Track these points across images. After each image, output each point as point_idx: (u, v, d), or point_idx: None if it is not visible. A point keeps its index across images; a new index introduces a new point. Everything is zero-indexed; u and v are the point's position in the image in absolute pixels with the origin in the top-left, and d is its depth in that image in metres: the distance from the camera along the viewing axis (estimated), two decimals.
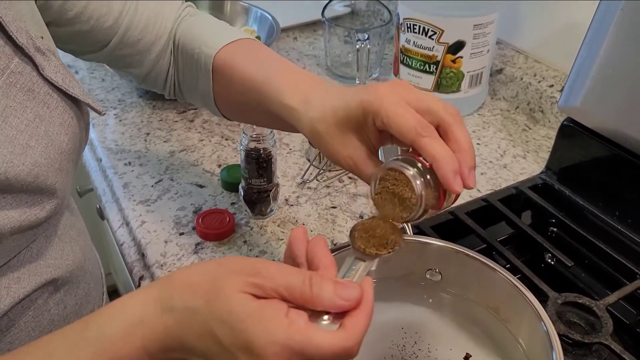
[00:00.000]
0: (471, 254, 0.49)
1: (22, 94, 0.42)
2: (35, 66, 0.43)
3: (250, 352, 0.32)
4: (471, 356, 0.47)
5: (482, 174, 0.81)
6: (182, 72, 0.60)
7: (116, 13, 0.56)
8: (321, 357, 0.32)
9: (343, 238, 0.69)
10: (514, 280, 0.46)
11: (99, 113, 0.48)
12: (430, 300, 0.51)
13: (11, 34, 0.41)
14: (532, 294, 0.46)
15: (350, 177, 0.80)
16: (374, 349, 0.48)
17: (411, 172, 0.40)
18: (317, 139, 0.45)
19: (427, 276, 0.52)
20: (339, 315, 0.34)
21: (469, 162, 0.40)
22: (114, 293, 1.23)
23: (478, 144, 0.88)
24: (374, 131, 0.43)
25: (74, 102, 0.47)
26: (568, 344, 0.55)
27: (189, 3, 0.63)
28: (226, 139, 0.86)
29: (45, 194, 0.43)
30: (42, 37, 0.46)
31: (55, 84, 0.44)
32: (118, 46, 0.58)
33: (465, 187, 0.39)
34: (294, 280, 0.34)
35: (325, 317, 0.34)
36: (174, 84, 0.62)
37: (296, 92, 0.47)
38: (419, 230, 0.67)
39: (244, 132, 0.66)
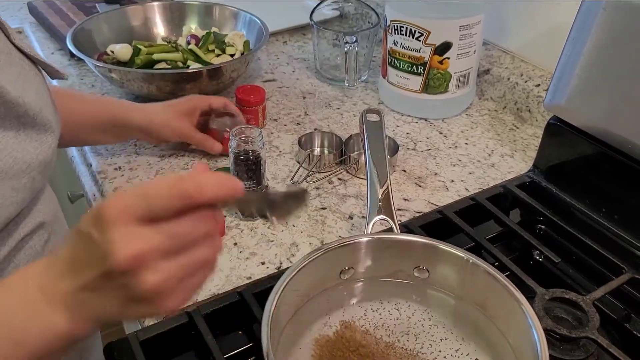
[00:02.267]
0: (456, 251, 0.50)
1: (4, 55, 0.49)
2: (7, 36, 0.50)
3: (97, 216, 0.33)
4: None
5: (470, 173, 0.82)
6: None
7: None
8: (154, 190, 0.33)
9: (333, 238, 0.69)
10: (500, 276, 0.47)
11: (63, 77, 0.59)
12: (419, 297, 0.52)
13: None
14: (517, 290, 0.46)
15: (339, 179, 0.80)
16: (366, 349, 0.48)
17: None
18: (152, 126, 0.77)
19: (415, 274, 0.52)
20: None
21: None
22: None
23: (466, 143, 0.89)
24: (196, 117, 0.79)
25: (37, 68, 0.54)
26: (555, 339, 0.56)
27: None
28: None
29: (48, 131, 0.50)
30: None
31: (23, 50, 0.52)
32: None
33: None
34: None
35: None
36: None
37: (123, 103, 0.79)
38: (407, 230, 0.67)
39: (232, 135, 0.67)
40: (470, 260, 0.48)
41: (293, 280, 0.46)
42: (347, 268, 0.52)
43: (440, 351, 0.48)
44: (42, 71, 0.56)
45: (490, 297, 0.48)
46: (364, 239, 0.51)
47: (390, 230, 0.55)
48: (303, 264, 0.47)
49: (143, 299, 0.34)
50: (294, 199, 0.39)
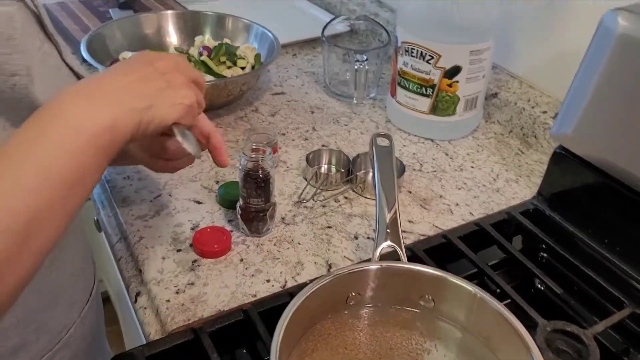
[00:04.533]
0: (465, 285, 0.50)
1: (52, 70, 0.52)
2: (59, 52, 0.54)
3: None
4: None
5: (475, 197, 0.83)
6: None
7: None
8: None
9: (338, 258, 0.70)
10: (504, 310, 0.48)
11: None
12: (423, 326, 0.53)
13: (44, 22, 0.51)
14: (520, 324, 0.47)
15: (345, 197, 0.81)
16: None
17: None
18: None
19: (421, 302, 0.53)
20: None
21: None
22: (106, 300, 1.24)
23: (472, 167, 0.90)
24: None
25: None
26: None
27: None
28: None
29: None
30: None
31: (72, 67, 0.55)
32: None
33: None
34: None
35: None
36: None
37: None
38: (412, 253, 0.68)
39: (243, 153, 0.67)
40: (479, 295, 0.49)
41: (301, 306, 0.47)
42: (354, 294, 0.52)
43: None
44: None
45: (496, 331, 0.49)
46: (374, 267, 0.52)
47: (397, 256, 0.56)
48: (311, 290, 0.48)
49: (171, 85, 0.47)
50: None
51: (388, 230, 0.56)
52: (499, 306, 0.48)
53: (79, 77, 0.57)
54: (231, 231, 0.72)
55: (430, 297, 0.52)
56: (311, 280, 0.65)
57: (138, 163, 0.63)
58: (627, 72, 0.65)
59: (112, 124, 0.42)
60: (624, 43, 0.65)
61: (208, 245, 0.68)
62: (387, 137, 0.67)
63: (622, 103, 0.67)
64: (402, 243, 0.55)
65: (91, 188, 0.43)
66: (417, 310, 0.53)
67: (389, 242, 0.54)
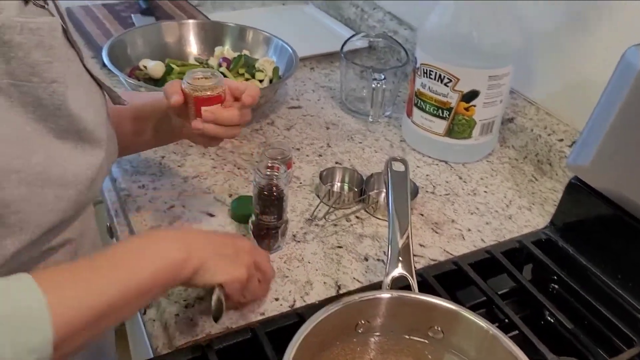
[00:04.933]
0: (479, 320, 0.50)
1: (75, 76, 0.53)
2: (80, 59, 0.55)
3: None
4: None
5: (487, 223, 0.83)
6: None
7: None
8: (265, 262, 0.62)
9: (347, 280, 0.70)
10: (515, 348, 0.47)
11: (123, 104, 0.62)
12: (431, 356, 0.53)
13: (67, 29, 0.52)
14: None
15: (357, 217, 0.81)
16: None
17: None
18: None
19: (429, 333, 0.53)
20: None
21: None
22: None
23: (485, 191, 0.89)
24: None
25: (102, 92, 0.59)
26: None
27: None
28: (238, 168, 0.88)
29: (100, 147, 0.54)
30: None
31: (92, 73, 0.56)
32: None
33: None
34: None
35: None
36: None
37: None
38: (422, 279, 0.68)
39: (258, 170, 0.68)
40: (491, 332, 0.49)
41: (310, 332, 0.47)
42: (363, 322, 0.52)
43: None
44: (106, 95, 0.61)
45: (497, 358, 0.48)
46: (385, 296, 0.52)
47: (405, 280, 0.56)
48: (321, 317, 0.48)
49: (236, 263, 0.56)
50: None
51: (400, 258, 0.55)
52: (512, 346, 0.48)
53: (98, 83, 0.57)
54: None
55: (439, 329, 0.52)
56: (320, 302, 0.66)
57: (184, 137, 0.70)
58: None
59: (183, 260, 0.51)
60: None
61: None
62: (403, 161, 0.67)
63: None
64: (414, 271, 0.55)
65: (144, 304, 0.60)
66: (426, 341, 0.53)
67: (400, 271, 0.54)
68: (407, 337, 0.53)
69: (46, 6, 0.50)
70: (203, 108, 0.62)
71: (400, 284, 0.57)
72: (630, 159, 0.68)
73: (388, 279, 0.54)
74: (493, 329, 0.49)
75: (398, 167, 0.66)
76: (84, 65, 0.55)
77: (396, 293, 0.52)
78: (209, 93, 0.62)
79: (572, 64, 0.91)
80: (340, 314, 0.50)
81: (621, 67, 0.68)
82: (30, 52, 0.45)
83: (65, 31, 0.52)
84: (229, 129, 0.64)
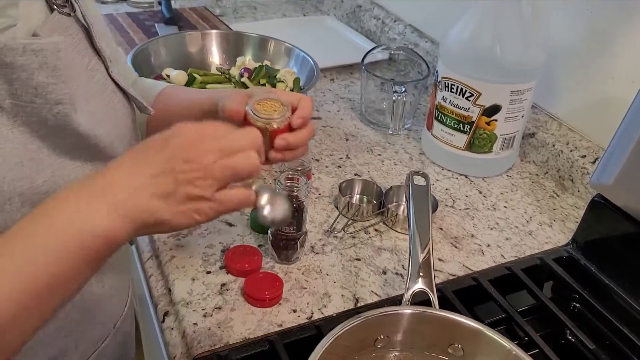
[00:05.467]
0: (501, 339, 0.50)
1: (98, 86, 0.53)
2: (106, 68, 0.55)
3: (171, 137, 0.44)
4: None
5: (507, 239, 0.82)
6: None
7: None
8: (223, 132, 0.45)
9: (365, 293, 0.70)
10: None
11: (148, 113, 0.60)
12: None
13: (95, 39, 0.53)
14: None
15: (376, 230, 0.81)
16: None
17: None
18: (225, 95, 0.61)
19: (450, 351, 0.52)
20: None
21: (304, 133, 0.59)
22: None
23: (505, 207, 0.89)
24: None
25: (129, 103, 0.59)
26: None
27: (172, 85, 0.75)
28: (258, 178, 0.88)
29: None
30: (110, 52, 0.57)
31: (119, 83, 0.56)
32: None
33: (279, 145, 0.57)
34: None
35: None
36: None
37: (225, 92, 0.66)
38: (441, 294, 0.67)
39: (278, 181, 0.68)
40: (514, 352, 0.48)
41: (329, 346, 0.47)
42: (382, 337, 0.52)
43: None
44: (133, 104, 0.60)
45: None
46: (407, 311, 0.51)
47: (425, 295, 0.55)
48: (341, 331, 0.48)
49: (188, 192, 0.43)
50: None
51: (421, 273, 0.55)
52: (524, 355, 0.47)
53: (124, 92, 0.57)
54: (261, 255, 0.72)
55: (460, 346, 0.52)
56: (337, 314, 0.66)
57: None
58: None
59: (109, 233, 0.41)
60: None
61: (240, 265, 0.69)
62: (424, 175, 0.66)
63: None
64: (435, 287, 0.54)
65: (76, 290, 0.42)
66: (446, 358, 0.52)
67: (421, 286, 0.54)
68: (426, 353, 0.53)
69: (72, 13, 0.50)
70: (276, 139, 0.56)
71: (420, 298, 0.57)
72: None
73: (408, 294, 0.53)
74: (515, 349, 0.48)
75: (419, 181, 0.66)
76: (109, 74, 0.55)
77: (418, 309, 0.51)
78: (279, 123, 0.55)
79: (595, 81, 0.90)
80: (360, 329, 0.49)
81: None
82: (33, 73, 0.44)
83: (90, 39, 0.52)
84: (301, 149, 0.58)
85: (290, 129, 0.57)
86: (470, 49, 0.87)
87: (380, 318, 0.50)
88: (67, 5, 0.50)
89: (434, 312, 0.51)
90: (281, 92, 0.61)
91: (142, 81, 0.75)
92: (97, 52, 0.54)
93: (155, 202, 0.42)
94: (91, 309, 0.60)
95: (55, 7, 0.49)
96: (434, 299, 0.53)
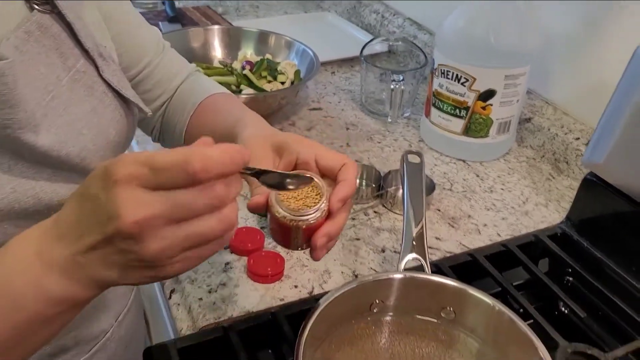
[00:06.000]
0: (484, 297, 0.52)
1: (84, 90, 0.49)
2: (96, 68, 0.51)
3: (104, 175, 0.35)
4: None
5: (503, 218, 0.84)
6: (166, 119, 0.69)
7: (142, 65, 0.65)
8: (161, 162, 0.34)
9: (364, 269, 0.72)
10: (524, 325, 0.49)
11: (146, 114, 0.57)
12: (443, 337, 0.54)
13: (80, 38, 0.49)
14: (540, 341, 0.48)
15: (375, 212, 0.83)
16: None
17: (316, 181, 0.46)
18: (247, 142, 0.53)
19: (442, 314, 0.55)
20: None
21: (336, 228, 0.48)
22: None
23: (502, 189, 0.91)
24: (287, 162, 0.50)
25: (125, 102, 0.55)
26: None
27: (197, 67, 0.73)
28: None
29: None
30: (106, 46, 0.54)
31: (111, 84, 0.52)
32: None
33: (315, 243, 0.47)
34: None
35: None
36: (159, 130, 0.71)
37: (253, 117, 0.61)
38: (437, 269, 0.70)
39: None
40: (497, 308, 0.51)
41: (326, 308, 0.49)
42: (377, 302, 0.55)
43: None
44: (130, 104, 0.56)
45: (513, 344, 0.50)
46: (398, 276, 0.54)
47: (421, 268, 0.58)
48: (337, 294, 0.50)
49: (144, 266, 0.35)
50: (300, 181, 0.43)
51: (414, 243, 0.58)
52: (516, 319, 0.49)
53: (119, 93, 0.53)
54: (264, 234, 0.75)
55: (451, 309, 0.54)
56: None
57: None
58: None
59: (66, 296, 0.37)
60: None
61: (243, 245, 0.71)
62: (418, 154, 0.69)
63: None
64: (427, 256, 0.56)
65: (42, 345, 0.40)
66: (439, 321, 0.55)
67: (414, 255, 0.56)
68: (420, 317, 0.55)
69: (54, 11, 0.47)
70: (315, 233, 0.46)
71: (415, 270, 0.59)
72: None
73: (402, 263, 0.56)
74: (498, 305, 0.51)
75: (413, 159, 0.68)
76: (101, 75, 0.51)
77: (409, 274, 0.54)
78: (315, 218, 0.46)
79: (589, 65, 0.92)
80: (355, 293, 0.52)
81: (634, 62, 0.70)
82: None
83: (78, 40, 0.49)
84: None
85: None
86: (465, 35, 0.89)
87: (373, 283, 0.53)
88: (48, 3, 0.47)
89: (423, 276, 0.53)
90: (321, 155, 0.49)
91: (198, 77, 0.72)
92: (87, 52, 0.50)
93: (105, 272, 0.36)
94: (91, 303, 0.58)
95: (35, 6, 0.46)
96: (427, 266, 0.55)
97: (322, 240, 0.46)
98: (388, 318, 0.55)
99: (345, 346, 0.53)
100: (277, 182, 0.42)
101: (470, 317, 0.53)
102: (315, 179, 0.46)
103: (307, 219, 0.45)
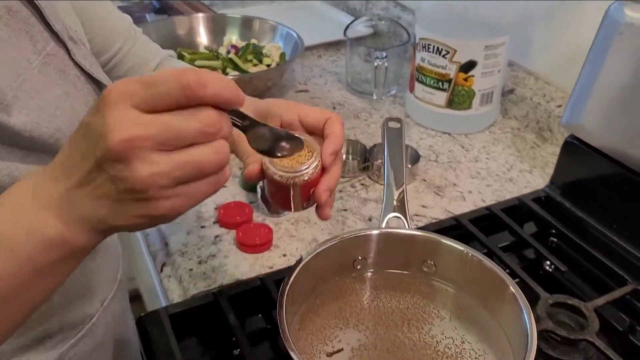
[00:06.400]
0: (457, 245, 0.54)
1: (55, 73, 0.49)
2: (68, 51, 0.50)
3: (95, 107, 0.34)
4: None
5: (488, 185, 0.86)
6: None
7: (114, 50, 0.65)
8: (155, 76, 0.33)
9: None
10: (492, 264, 0.51)
11: None
12: (425, 289, 0.56)
13: (49, 21, 0.49)
14: (508, 275, 0.50)
15: (362, 184, 0.85)
16: (374, 334, 0.52)
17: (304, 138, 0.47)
18: None
19: (424, 268, 0.56)
20: None
21: (330, 182, 0.47)
22: (136, 298, 1.28)
23: (487, 158, 0.92)
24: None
25: (98, 86, 0.54)
26: (556, 342, 0.58)
27: (172, 52, 0.72)
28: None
29: None
30: (76, 30, 0.54)
31: (83, 67, 0.51)
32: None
33: (318, 198, 0.47)
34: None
35: None
36: None
37: None
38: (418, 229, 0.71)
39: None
40: (470, 254, 0.52)
41: (308, 265, 0.51)
42: (360, 258, 0.56)
43: (444, 340, 0.52)
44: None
45: (486, 285, 0.52)
46: (375, 232, 0.55)
47: (402, 224, 0.59)
48: (319, 250, 0.52)
49: (135, 196, 0.34)
50: (291, 146, 0.42)
51: (396, 204, 0.59)
52: (484, 259, 0.51)
53: (92, 77, 0.53)
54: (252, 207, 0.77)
55: (432, 262, 0.55)
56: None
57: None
58: (633, 62, 0.68)
59: (58, 239, 0.36)
60: (630, 33, 0.68)
61: (232, 218, 0.73)
62: (398, 120, 0.70)
63: (628, 92, 0.69)
64: (408, 214, 0.58)
65: (41, 301, 0.39)
66: (420, 275, 0.56)
67: (395, 213, 0.57)
68: (402, 272, 0.57)
69: None
70: (316, 190, 0.47)
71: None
72: (618, 112, 0.71)
73: (384, 222, 0.57)
74: (471, 251, 0.53)
75: (394, 125, 0.70)
76: (72, 59, 0.51)
77: (386, 229, 0.55)
78: (310, 174, 0.46)
79: (567, 33, 0.94)
80: (337, 250, 0.53)
81: (606, 23, 0.71)
82: None
83: (47, 23, 0.49)
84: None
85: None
86: (444, 7, 0.91)
87: (354, 239, 0.54)
88: None
89: (397, 230, 0.55)
90: (304, 114, 0.49)
91: (171, 62, 0.72)
92: (57, 35, 0.50)
93: (97, 208, 0.35)
94: (74, 289, 0.56)
95: None
96: (407, 223, 0.56)
97: (325, 195, 0.46)
98: (371, 274, 0.57)
99: (330, 301, 0.54)
100: (269, 145, 0.41)
101: (448, 268, 0.54)
102: (304, 138, 0.46)
103: (303, 175, 0.45)
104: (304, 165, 0.45)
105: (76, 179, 0.35)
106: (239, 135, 0.44)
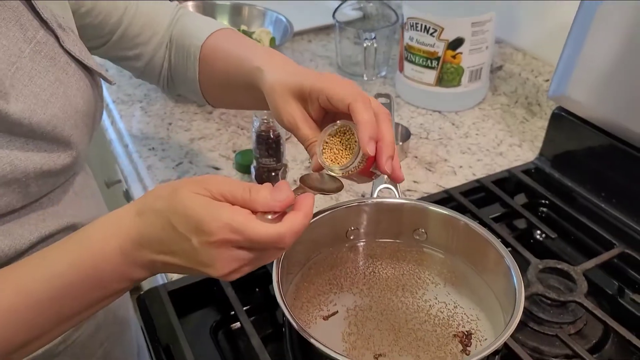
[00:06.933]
0: (443, 210, 0.55)
1: (46, 60, 0.50)
2: (57, 39, 0.51)
3: (199, 230, 0.39)
4: None
5: (478, 160, 0.87)
6: (174, 65, 0.68)
7: (121, 10, 0.65)
8: (257, 237, 0.40)
9: None
10: (477, 226, 0.52)
11: (110, 83, 0.57)
12: (417, 256, 0.57)
13: (38, 9, 0.50)
14: (493, 235, 0.52)
15: None
16: (368, 296, 0.54)
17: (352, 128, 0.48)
18: (272, 96, 0.53)
19: (416, 237, 0.58)
20: (281, 216, 0.41)
21: (387, 152, 0.49)
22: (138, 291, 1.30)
23: (477, 134, 0.94)
24: (316, 107, 0.52)
25: (89, 73, 0.55)
26: (546, 304, 0.60)
27: (182, 5, 0.71)
28: (241, 129, 0.93)
29: (61, 145, 0.51)
30: (64, 17, 0.54)
31: (73, 54, 0.52)
32: (119, 41, 0.65)
33: (383, 172, 0.49)
34: (237, 187, 0.42)
35: (269, 216, 0.41)
36: (167, 77, 0.69)
37: (266, 58, 0.57)
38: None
39: (255, 116, 0.73)
40: (456, 217, 0.54)
41: (302, 235, 0.52)
42: (352, 229, 0.57)
43: (437, 304, 0.53)
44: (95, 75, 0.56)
45: (476, 250, 0.53)
46: (368, 201, 0.57)
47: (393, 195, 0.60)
48: (311, 221, 0.53)
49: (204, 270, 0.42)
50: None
51: (386, 177, 0.60)
52: (470, 222, 0.53)
53: (81, 63, 0.54)
54: None
55: (423, 230, 0.57)
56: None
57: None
58: (615, 32, 0.69)
59: (141, 279, 0.45)
60: (612, 4, 0.69)
61: None
62: (387, 96, 0.71)
63: (611, 63, 0.70)
64: (399, 186, 0.59)
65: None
66: (412, 243, 0.57)
67: (386, 185, 0.59)
68: (394, 240, 0.58)
69: None
70: (379, 165, 0.48)
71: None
72: (602, 83, 0.72)
73: (375, 192, 0.58)
74: (453, 214, 0.54)
75: (383, 100, 0.71)
76: (62, 46, 0.52)
77: (377, 199, 0.57)
78: (359, 163, 0.48)
79: (553, 7, 0.95)
80: (330, 221, 0.55)
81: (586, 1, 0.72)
82: None
83: (35, 11, 0.50)
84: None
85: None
86: None
87: (345, 210, 0.55)
88: None
89: (387, 200, 0.56)
90: (330, 96, 0.49)
91: (187, 16, 0.68)
92: (46, 23, 0.50)
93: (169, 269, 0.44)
94: None
95: None
96: (397, 193, 0.58)
97: (388, 163, 0.48)
98: (364, 244, 0.58)
99: (325, 270, 0.55)
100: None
101: (438, 234, 0.56)
102: (350, 125, 0.48)
103: (350, 168, 0.48)
104: (349, 161, 0.48)
105: (166, 260, 0.42)
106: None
